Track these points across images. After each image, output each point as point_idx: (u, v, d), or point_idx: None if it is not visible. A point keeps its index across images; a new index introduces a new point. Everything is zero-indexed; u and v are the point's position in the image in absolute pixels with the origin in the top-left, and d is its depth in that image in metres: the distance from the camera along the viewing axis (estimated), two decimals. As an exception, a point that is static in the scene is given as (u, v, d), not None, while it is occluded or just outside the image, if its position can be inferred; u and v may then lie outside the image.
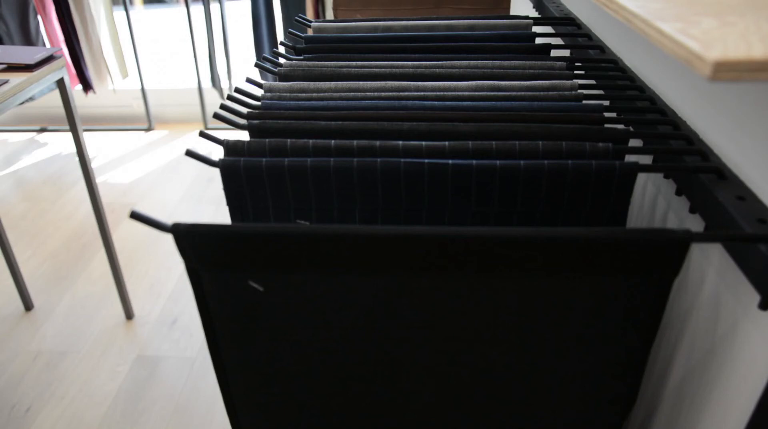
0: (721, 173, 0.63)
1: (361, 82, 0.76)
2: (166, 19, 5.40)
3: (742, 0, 0.54)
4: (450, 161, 0.58)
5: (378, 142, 0.60)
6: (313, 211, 0.61)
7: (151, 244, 2.52)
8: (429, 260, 0.49)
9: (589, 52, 1.00)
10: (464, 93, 0.73)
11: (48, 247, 2.56)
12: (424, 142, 0.60)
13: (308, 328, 0.56)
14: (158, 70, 4.00)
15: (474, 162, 0.58)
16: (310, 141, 0.61)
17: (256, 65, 0.82)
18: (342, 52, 0.91)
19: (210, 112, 3.58)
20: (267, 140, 0.62)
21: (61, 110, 2.14)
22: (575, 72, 0.86)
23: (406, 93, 0.73)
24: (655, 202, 0.82)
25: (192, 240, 0.49)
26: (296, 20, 1.04)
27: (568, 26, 1.12)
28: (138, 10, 5.67)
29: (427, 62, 0.83)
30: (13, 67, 1.98)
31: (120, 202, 2.89)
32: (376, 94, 0.73)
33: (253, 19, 3.25)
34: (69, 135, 2.13)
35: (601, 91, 0.83)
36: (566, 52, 1.10)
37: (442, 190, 0.59)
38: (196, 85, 3.50)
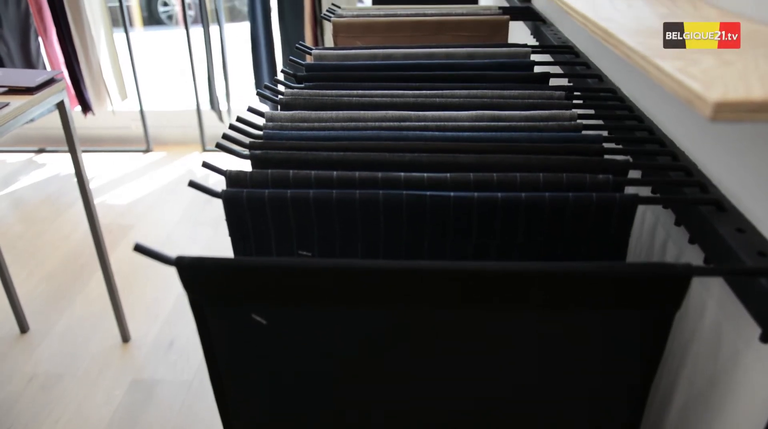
0: (721, 205, 0.63)
1: (362, 112, 0.76)
2: (166, 41, 5.43)
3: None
4: (452, 194, 0.58)
5: (380, 174, 0.61)
6: (315, 241, 0.61)
7: (149, 266, 2.51)
8: (430, 294, 0.50)
9: (588, 81, 1.01)
10: (465, 123, 0.74)
11: (45, 267, 2.56)
12: (425, 174, 0.61)
13: (310, 359, 0.56)
14: (157, 92, 4.02)
15: (475, 194, 0.58)
16: (313, 172, 0.61)
17: (258, 94, 0.83)
18: (343, 80, 0.91)
19: (208, 134, 3.59)
20: (269, 171, 0.62)
21: (60, 131, 2.15)
22: (574, 101, 0.86)
23: (407, 123, 0.74)
24: (654, 231, 0.82)
25: (195, 273, 0.49)
26: (297, 47, 1.05)
27: (567, 54, 1.13)
28: (138, 31, 5.71)
29: (428, 91, 0.83)
30: (13, 90, 1.99)
31: (118, 223, 2.88)
32: (377, 124, 0.74)
33: (252, 41, 3.28)
34: (67, 156, 2.13)
35: (600, 121, 0.84)
36: (565, 81, 1.11)
37: (443, 221, 0.59)
38: (195, 107, 3.51)
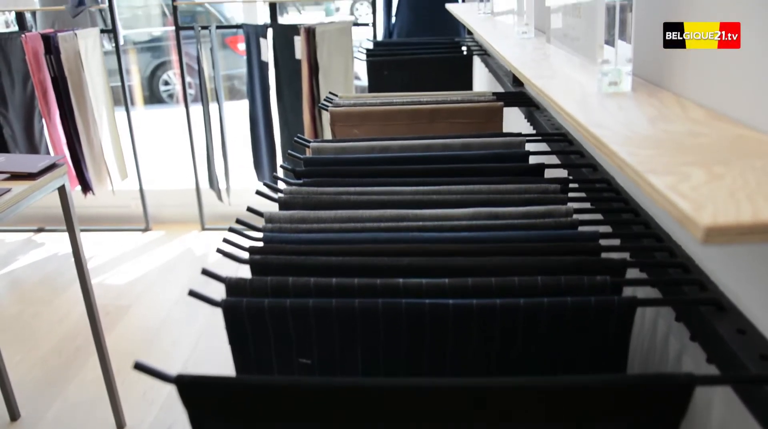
0: (720, 304, 0.63)
1: (360, 211, 0.77)
2: (166, 119, 5.54)
3: (726, 144, 0.56)
4: (450, 301, 0.58)
5: (378, 281, 0.61)
6: (315, 350, 0.61)
7: (146, 348, 2.48)
8: (430, 410, 0.49)
9: (583, 171, 1.02)
10: (462, 222, 0.75)
11: (39, 350, 2.52)
12: (424, 280, 0.61)
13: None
14: (157, 170, 4.06)
15: (474, 301, 0.58)
16: (312, 279, 0.62)
17: (257, 193, 0.84)
18: (341, 175, 0.93)
19: (207, 212, 3.61)
20: (269, 278, 0.62)
21: (59, 210, 2.17)
22: (570, 195, 0.88)
23: (404, 223, 0.75)
24: (655, 324, 0.82)
25: (196, 391, 0.49)
26: (295, 141, 1.07)
27: (561, 142, 1.16)
28: (139, 109, 5.83)
29: (425, 188, 0.85)
30: (16, 176, 2.01)
31: (115, 303, 2.87)
32: (375, 224, 0.74)
33: (250, 121, 3.34)
34: (65, 236, 2.15)
35: (596, 216, 0.85)
36: (560, 167, 1.12)
37: (442, 329, 0.59)
38: (194, 186, 3.55)
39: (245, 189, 3.56)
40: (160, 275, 3.13)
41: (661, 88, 0.80)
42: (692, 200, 0.42)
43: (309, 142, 1.06)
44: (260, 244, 0.72)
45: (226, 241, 0.70)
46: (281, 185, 0.89)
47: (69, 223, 2.22)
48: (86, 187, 3.36)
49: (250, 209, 0.78)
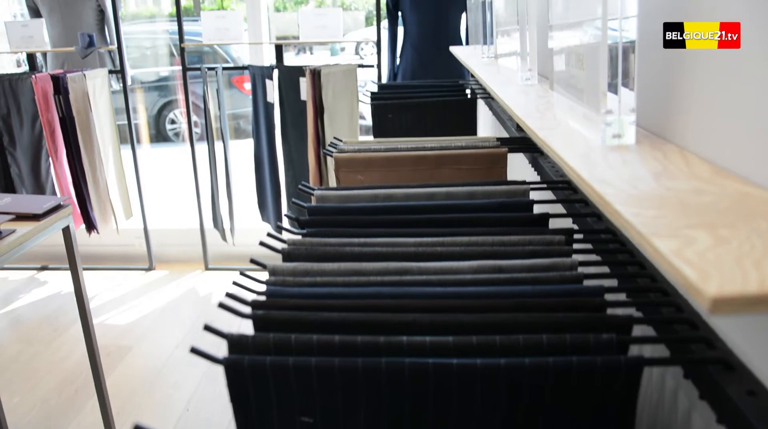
0: (729, 364, 0.62)
1: (363, 264, 0.77)
2: (172, 157, 5.58)
3: (731, 204, 0.56)
4: (454, 361, 0.57)
5: (382, 338, 0.60)
6: (317, 409, 0.60)
7: (146, 391, 2.46)
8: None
9: (587, 220, 1.02)
10: (466, 276, 0.74)
11: (38, 392, 2.50)
12: (428, 338, 0.61)
13: None
14: (161, 209, 4.08)
15: (478, 361, 0.57)
16: (314, 337, 0.61)
17: (261, 244, 0.84)
18: (345, 225, 0.93)
19: (211, 252, 3.61)
20: (271, 335, 0.62)
21: (63, 248, 2.17)
22: (574, 246, 0.87)
23: (408, 277, 0.74)
24: (663, 379, 0.81)
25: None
26: (299, 189, 1.08)
27: (565, 190, 1.16)
28: (145, 147, 5.88)
29: (429, 239, 0.84)
30: (21, 217, 2.02)
31: (116, 344, 2.85)
32: (378, 278, 0.74)
33: (255, 161, 3.36)
34: (69, 274, 2.15)
35: (602, 268, 0.84)
36: (565, 216, 1.12)
37: (446, 390, 0.58)
38: (198, 225, 3.55)
39: (249, 229, 3.56)
40: (163, 315, 3.11)
41: (664, 139, 0.80)
42: (698, 268, 0.42)
43: (313, 189, 1.06)
44: (263, 297, 0.72)
45: (229, 295, 0.70)
46: (285, 235, 0.89)
47: (72, 262, 2.23)
48: (90, 226, 3.37)
49: (253, 261, 0.78)
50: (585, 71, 0.83)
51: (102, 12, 3.67)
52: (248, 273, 0.75)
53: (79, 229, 3.39)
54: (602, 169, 0.68)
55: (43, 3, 3.66)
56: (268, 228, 3.42)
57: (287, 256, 0.82)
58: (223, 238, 3.49)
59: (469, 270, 0.77)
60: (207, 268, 3.61)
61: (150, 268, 3.66)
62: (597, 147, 0.77)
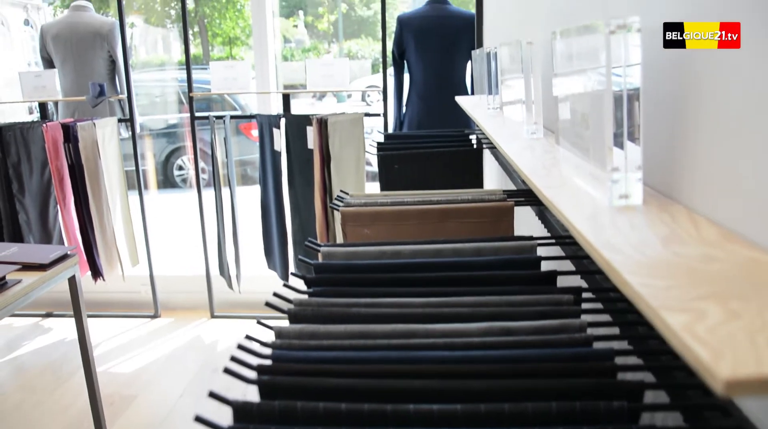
0: (744, 434, 0.61)
1: (370, 326, 0.76)
2: (179, 203, 5.62)
3: (741, 273, 0.55)
4: (463, 432, 0.56)
5: (389, 407, 0.60)
6: (322, 481, 0.59)
7: (148, 443, 2.43)
8: None
9: (596, 278, 1.02)
10: (474, 339, 0.74)
11: (40, 444, 2.47)
12: (435, 406, 0.60)
13: None
14: (167, 255, 4.08)
15: (487, 432, 0.56)
16: (321, 405, 0.60)
17: (267, 304, 0.83)
18: (352, 283, 0.92)
19: (217, 299, 3.60)
20: (276, 403, 0.61)
21: (68, 295, 2.17)
22: (583, 306, 0.87)
23: (415, 340, 0.73)
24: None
25: None
26: (306, 245, 1.08)
27: (572, 245, 1.15)
28: (152, 193, 5.92)
29: (436, 299, 0.84)
30: (28, 267, 2.03)
31: (120, 393, 2.82)
32: (386, 341, 0.73)
33: (262, 208, 3.38)
34: (73, 321, 2.14)
35: (611, 330, 0.83)
36: (573, 273, 1.12)
37: (455, 461, 0.57)
38: (204, 272, 3.55)
39: (255, 276, 3.56)
40: (168, 364, 3.08)
41: (671, 199, 0.80)
42: (710, 347, 0.41)
43: (320, 245, 1.06)
44: (269, 361, 0.71)
45: (233, 359, 0.69)
46: (291, 294, 0.88)
47: (77, 311, 2.22)
48: (97, 274, 3.37)
49: (260, 323, 0.78)
50: (590, 126, 0.83)
51: (113, 62, 3.74)
52: (253, 336, 0.74)
53: (84, 276, 3.39)
54: (610, 233, 0.68)
55: (56, 53, 3.74)
56: (274, 276, 3.41)
57: (294, 317, 0.81)
58: (229, 285, 3.48)
59: (477, 332, 0.76)
60: (213, 316, 3.59)
61: (155, 316, 3.64)
62: (604, 208, 0.77)
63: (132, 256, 3.51)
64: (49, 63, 3.84)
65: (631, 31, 0.71)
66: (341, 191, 1.45)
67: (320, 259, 1.05)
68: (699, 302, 0.49)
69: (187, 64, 3.36)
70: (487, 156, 2.39)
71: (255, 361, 0.71)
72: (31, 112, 5.04)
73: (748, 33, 0.63)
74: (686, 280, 0.54)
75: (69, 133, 3.20)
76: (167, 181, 6.03)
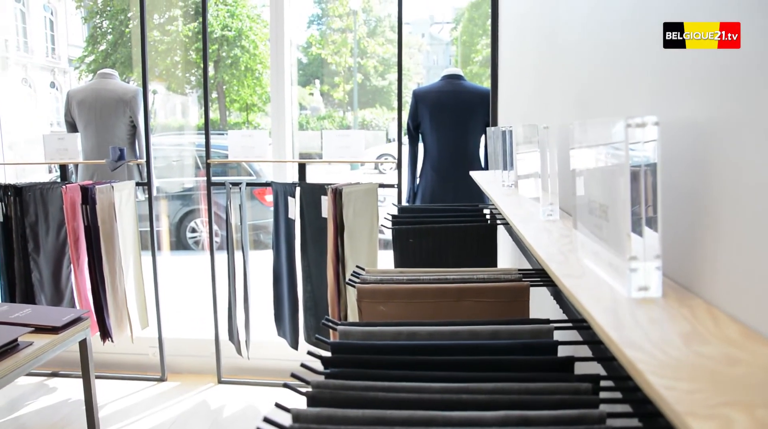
0: None
1: (388, 412, 0.76)
2: (191, 265, 5.63)
3: (765, 377, 0.55)
4: None
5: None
6: None
7: None
8: None
9: (614, 364, 1.01)
10: (492, 429, 0.73)
11: None
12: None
13: None
14: (177, 318, 4.07)
15: None
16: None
17: (285, 385, 0.84)
18: (368, 365, 0.93)
19: (225, 364, 3.57)
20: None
21: (75, 354, 2.17)
22: (602, 395, 0.86)
23: (433, 428, 0.73)
24: None
25: None
26: (323, 324, 1.08)
27: (589, 330, 1.15)
28: (165, 254, 5.95)
29: (454, 385, 0.84)
30: (40, 329, 2.03)
31: (123, 459, 2.77)
32: (404, 428, 0.73)
33: (274, 275, 3.38)
34: (79, 381, 2.13)
35: (631, 421, 0.82)
36: (591, 360, 1.11)
37: None
38: (213, 336, 3.53)
39: (264, 341, 3.53)
40: (172, 430, 3.04)
41: (691, 292, 0.81)
42: (738, 461, 0.41)
43: (337, 324, 1.07)
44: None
45: (252, 444, 0.69)
46: (309, 379, 0.89)
47: (85, 374, 2.21)
48: (106, 334, 3.36)
49: (278, 405, 0.78)
50: (608, 214, 0.84)
51: (134, 127, 3.84)
52: (273, 422, 0.74)
53: (93, 336, 3.38)
54: (630, 328, 0.68)
55: (80, 117, 3.84)
56: (283, 342, 3.39)
57: (312, 399, 0.81)
58: (238, 351, 3.45)
59: (495, 421, 0.76)
60: (219, 381, 3.55)
61: (162, 379, 3.60)
62: (623, 300, 0.78)
63: (142, 318, 3.51)
64: (72, 127, 3.95)
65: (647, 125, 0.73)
66: (357, 267, 1.46)
67: (336, 338, 1.05)
68: (725, 409, 0.49)
69: (206, 131, 3.44)
70: (501, 232, 2.40)
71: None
72: (50, 172, 5.14)
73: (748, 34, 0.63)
74: (710, 384, 0.54)
75: (87, 195, 3.26)
76: (179, 242, 6.07)
